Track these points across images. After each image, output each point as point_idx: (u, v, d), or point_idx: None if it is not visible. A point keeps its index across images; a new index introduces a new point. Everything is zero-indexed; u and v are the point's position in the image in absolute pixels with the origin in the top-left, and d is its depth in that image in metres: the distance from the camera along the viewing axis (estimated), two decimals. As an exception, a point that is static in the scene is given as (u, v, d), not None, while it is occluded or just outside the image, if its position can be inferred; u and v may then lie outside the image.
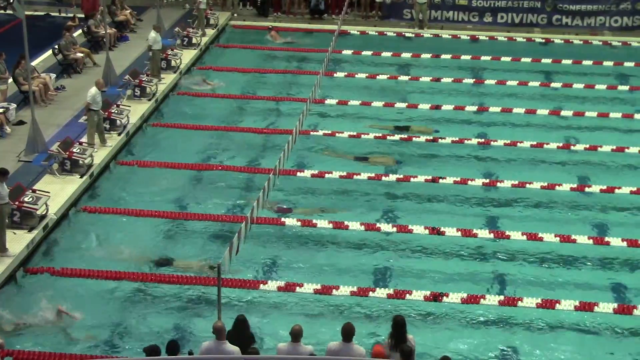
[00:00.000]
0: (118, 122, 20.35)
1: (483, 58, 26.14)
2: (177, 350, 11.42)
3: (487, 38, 28.29)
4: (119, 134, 20.24)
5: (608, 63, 25.58)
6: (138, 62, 24.77)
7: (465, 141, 20.64)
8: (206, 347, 11.46)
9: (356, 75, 24.72)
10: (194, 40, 26.37)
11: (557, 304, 14.54)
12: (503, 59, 26.05)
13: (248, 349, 11.53)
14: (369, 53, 26.51)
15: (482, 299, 14.73)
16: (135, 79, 22.37)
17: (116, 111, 20.56)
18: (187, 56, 25.36)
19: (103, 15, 24.82)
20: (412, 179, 18.77)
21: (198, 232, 16.93)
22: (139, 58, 25.17)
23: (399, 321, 11.94)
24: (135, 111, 21.38)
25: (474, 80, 24.60)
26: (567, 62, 25.80)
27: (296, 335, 11.57)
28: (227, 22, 29.46)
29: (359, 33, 28.62)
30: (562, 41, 28.07)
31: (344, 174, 18.85)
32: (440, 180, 18.66)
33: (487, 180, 18.82)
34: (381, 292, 14.90)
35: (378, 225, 17.00)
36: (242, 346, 11.50)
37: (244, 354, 11.41)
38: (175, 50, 24.97)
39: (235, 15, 30.34)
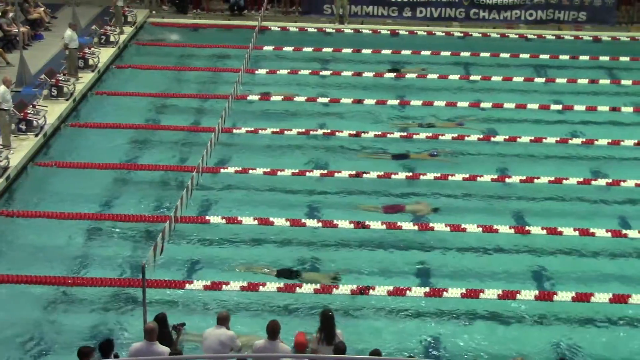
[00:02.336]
0: (35, 123, 19.86)
1: (403, 52, 26.36)
2: (112, 349, 11.22)
3: (407, 32, 28.55)
4: (36, 135, 19.76)
5: (524, 55, 26.09)
6: (54, 61, 24.22)
7: (388, 135, 20.79)
8: (136, 349, 11.31)
9: (278, 72, 24.66)
10: (111, 38, 25.91)
11: (481, 293, 14.78)
12: (423, 52, 26.33)
13: (171, 348, 11.49)
14: (290, 49, 26.47)
15: (408, 291, 14.86)
16: (52, 79, 21.87)
17: (32, 112, 20.07)
18: (105, 54, 24.91)
19: (15, 13, 24.17)
20: (336, 174, 18.82)
21: (121, 233, 16.65)
22: (55, 57, 24.61)
23: (327, 315, 11.96)
24: (52, 112, 20.90)
25: (395, 75, 24.77)
26: (485, 55, 26.21)
27: (223, 319, 11.52)
28: (145, 20, 29.04)
29: (279, 29, 28.56)
30: (480, 35, 28.51)
31: (268, 170, 18.78)
32: (364, 175, 18.75)
33: (410, 174, 18.99)
34: (308, 288, 14.91)
35: (303, 220, 16.99)
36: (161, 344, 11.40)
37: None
38: (92, 48, 24.49)
39: (153, 12, 29.92)
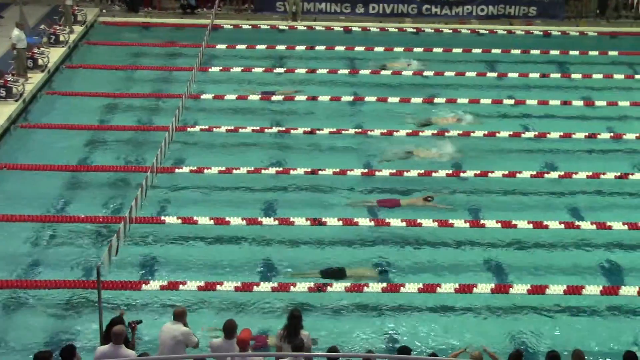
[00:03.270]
0: (-16, 124, 19.53)
1: (357, 49, 26.40)
2: (74, 354, 11.05)
3: (360, 29, 28.59)
4: (-14, 137, 19.44)
5: (477, 50, 26.30)
6: (2, 61, 23.78)
7: (343, 132, 20.81)
8: (102, 352, 11.18)
9: (231, 70, 24.53)
10: (61, 38, 25.54)
11: (438, 288, 14.86)
12: (376, 49, 26.39)
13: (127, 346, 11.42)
14: (243, 47, 26.35)
15: (365, 287, 14.89)
16: (0, 80, 21.48)
17: (-19, 113, 19.71)
18: (55, 54, 24.54)
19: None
20: (291, 172, 18.78)
21: (75, 235, 16.43)
22: (2, 57, 24.17)
23: (293, 315, 12.07)
24: (1, 113, 20.56)
25: (349, 70, 24.81)
26: (438, 50, 26.36)
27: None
28: (95, 19, 28.66)
29: (232, 27, 28.40)
30: (433, 30, 28.67)
31: (223, 169, 18.67)
32: (320, 172, 18.74)
33: (366, 170, 19.03)
34: (265, 286, 14.86)
35: (260, 219, 16.93)
36: None
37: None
38: (42, 48, 24.11)
39: (103, 11, 29.57)
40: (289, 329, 11.99)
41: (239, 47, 26.34)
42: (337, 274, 15.41)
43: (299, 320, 12.04)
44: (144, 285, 14.78)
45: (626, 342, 13.66)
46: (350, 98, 22.84)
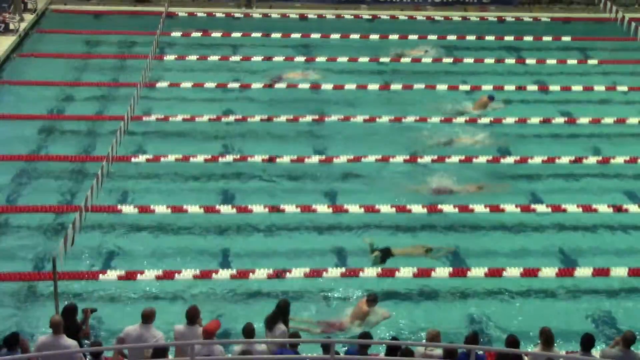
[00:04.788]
0: None
1: (313, 36, 26.33)
2: (17, 342, 10.93)
3: (316, 16, 28.51)
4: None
5: (432, 37, 26.37)
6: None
7: (300, 119, 20.76)
8: (42, 342, 11.04)
9: (187, 57, 24.31)
10: (11, 26, 25.05)
11: (397, 272, 14.93)
12: (332, 36, 26.35)
13: (79, 339, 11.32)
14: (198, 34, 26.12)
15: (324, 272, 14.90)
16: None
17: None
18: (4, 43, 24.09)
19: None
20: (249, 159, 18.71)
21: (29, 225, 16.21)
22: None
23: (278, 304, 12.33)
24: (-48, 103, 20.17)
25: (306, 58, 24.75)
26: (394, 37, 26.40)
27: (147, 316, 11.43)
28: (46, 7, 28.15)
29: (187, 15, 28.11)
30: (389, 17, 28.68)
31: (180, 157, 18.53)
32: (278, 159, 18.69)
33: (323, 157, 19.03)
34: (224, 274, 14.80)
35: (217, 207, 16.84)
36: (69, 336, 11.17)
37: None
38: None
39: (55, -2, 29.07)
40: (270, 316, 12.18)
41: (194, 34, 26.11)
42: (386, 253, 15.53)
43: (280, 311, 12.19)
44: (101, 275, 14.63)
45: (583, 324, 13.85)
46: (307, 85, 22.77)
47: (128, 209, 16.63)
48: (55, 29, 26.55)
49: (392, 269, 15.02)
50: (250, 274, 14.84)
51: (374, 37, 26.45)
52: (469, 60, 24.72)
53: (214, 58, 24.36)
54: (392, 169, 18.63)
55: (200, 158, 18.60)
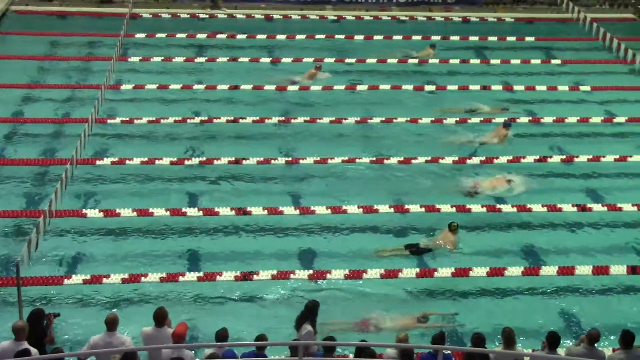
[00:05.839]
0: None
1: (278, 37, 26.30)
2: None
3: (281, 17, 28.47)
4: None
5: (397, 37, 26.48)
6: None
7: (266, 120, 20.72)
8: (3, 348, 10.89)
9: (151, 59, 24.14)
10: (-27, 28, 24.75)
11: (364, 273, 14.95)
12: (298, 36, 26.34)
13: (44, 345, 11.17)
14: (162, 35, 25.95)
15: (292, 274, 14.89)
16: None
17: None
18: (-34, 45, 23.82)
19: None
20: (215, 161, 18.63)
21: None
22: None
23: (306, 305, 12.51)
24: None
25: (271, 59, 24.71)
26: (359, 37, 26.45)
27: (111, 323, 11.33)
28: (7, 7, 27.77)
29: (151, 16, 27.92)
30: (354, 17, 28.73)
31: (145, 159, 18.41)
32: (244, 161, 18.63)
33: (290, 158, 19.01)
34: (191, 276, 14.73)
35: (184, 209, 16.75)
36: (36, 341, 11.04)
37: (40, 349, 11.00)
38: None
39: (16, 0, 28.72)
40: (298, 317, 12.34)
41: (158, 36, 25.94)
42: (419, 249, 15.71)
43: (308, 312, 12.35)
44: (66, 280, 14.48)
45: (549, 322, 13.98)
46: (273, 86, 22.72)
47: (93, 212, 16.48)
48: (17, 31, 26.22)
49: (360, 270, 15.02)
50: (218, 276, 14.78)
51: (340, 37, 26.47)
52: (434, 60, 24.84)
53: (179, 59, 24.23)
54: (359, 170, 18.66)
55: (165, 160, 18.49)
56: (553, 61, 25.29)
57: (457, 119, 21.09)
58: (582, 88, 23.34)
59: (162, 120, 20.40)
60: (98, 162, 18.36)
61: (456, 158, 19.12)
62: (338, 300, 14.46)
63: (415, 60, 24.86)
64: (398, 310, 14.09)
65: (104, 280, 14.48)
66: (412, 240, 16.22)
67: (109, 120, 20.22)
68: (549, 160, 19.27)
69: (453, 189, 18.07)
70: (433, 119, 21.07)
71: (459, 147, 19.82)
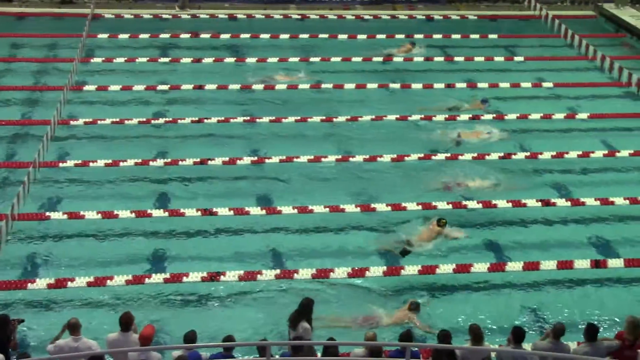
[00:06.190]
0: None
1: (242, 36, 26.23)
2: None
3: (245, 16, 28.40)
4: None
5: (362, 36, 26.53)
6: None
7: (232, 120, 20.64)
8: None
9: (114, 60, 23.95)
10: None
11: (331, 273, 14.95)
12: (262, 36, 26.29)
13: (8, 351, 11.01)
14: (125, 36, 25.76)
15: (259, 275, 14.84)
16: None
17: None
18: None
19: None
20: (180, 162, 18.52)
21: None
22: None
23: (301, 303, 12.39)
24: None
25: (235, 59, 24.63)
26: (323, 36, 26.45)
27: (74, 327, 11.25)
28: (-33, 9, 27.47)
29: (113, 16, 27.70)
30: (318, 17, 28.74)
31: (110, 161, 18.25)
32: (210, 162, 18.54)
33: (256, 158, 18.95)
34: (157, 278, 14.62)
35: (149, 211, 16.63)
36: (0, 347, 10.92)
37: (5, 355, 10.88)
38: None
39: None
40: (294, 316, 12.23)
41: (121, 36, 25.74)
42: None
43: (304, 310, 12.25)
44: (29, 284, 14.30)
45: (514, 318, 14.08)
46: (238, 86, 22.65)
47: (57, 215, 16.29)
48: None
49: (327, 269, 15.02)
50: (184, 277, 14.68)
51: (304, 36, 26.45)
52: (398, 59, 24.92)
53: (142, 60, 24.06)
54: (326, 169, 18.67)
55: (130, 162, 18.34)
56: (516, 58, 25.49)
57: (423, 115, 21.16)
58: (544, 85, 23.56)
59: (126, 122, 20.23)
60: (61, 165, 18.17)
61: (422, 155, 19.18)
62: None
63: (380, 59, 24.91)
64: (365, 308, 14.10)
65: (69, 284, 14.32)
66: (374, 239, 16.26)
67: (72, 122, 20.02)
68: (513, 157, 19.39)
69: (421, 186, 18.13)
70: (398, 116, 21.13)
71: (440, 142, 20.06)
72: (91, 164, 18.20)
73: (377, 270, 15.09)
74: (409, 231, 16.29)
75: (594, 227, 16.97)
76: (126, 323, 11.48)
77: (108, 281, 14.44)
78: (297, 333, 12.02)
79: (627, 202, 17.46)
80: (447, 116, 21.24)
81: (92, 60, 23.80)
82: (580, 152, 19.53)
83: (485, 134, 20.35)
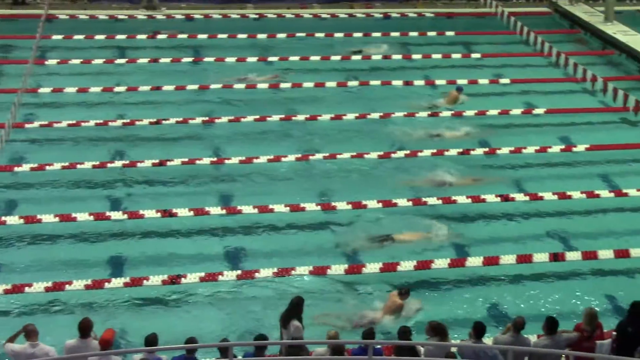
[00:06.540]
0: None
1: (200, 36, 26.08)
2: None
3: (202, 16, 28.24)
4: None
5: (319, 34, 26.51)
6: None
7: (190, 121, 20.50)
8: None
9: (70, 62, 23.65)
10: None
11: (292, 271, 14.90)
12: (220, 36, 26.16)
13: None
14: (81, 37, 25.44)
15: (220, 276, 14.75)
16: None
17: None
18: None
19: None
20: (138, 164, 18.34)
21: None
22: None
23: (291, 301, 12.30)
24: None
25: (193, 59, 24.49)
26: (281, 36, 26.39)
27: (31, 334, 11.07)
28: None
29: (68, 17, 27.36)
30: (275, 16, 28.69)
31: (67, 164, 18.02)
32: (168, 163, 18.40)
33: (215, 159, 18.85)
34: (117, 282, 14.46)
35: (108, 213, 16.45)
36: None
37: None
38: None
39: None
40: (284, 314, 12.17)
41: (76, 37, 25.42)
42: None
43: (294, 308, 12.17)
44: (-14, 290, 14.09)
45: (476, 311, 14.17)
46: (196, 86, 22.51)
47: (13, 219, 16.04)
48: None
49: (288, 268, 14.96)
50: (145, 280, 14.53)
51: (262, 36, 26.37)
52: (356, 57, 24.95)
53: (98, 61, 23.80)
54: (285, 168, 18.63)
55: (87, 164, 18.13)
56: (473, 55, 25.67)
57: (382, 113, 21.20)
58: (502, 81, 23.76)
59: (82, 124, 20.00)
60: (16, 169, 17.93)
61: (381, 153, 19.21)
62: (268, 298, 14.40)
63: (338, 57, 24.91)
64: (332, 306, 14.10)
65: (26, 289, 14.09)
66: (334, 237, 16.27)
67: (27, 125, 19.75)
68: (472, 152, 19.51)
69: (381, 183, 18.17)
70: (357, 114, 21.14)
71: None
72: (47, 167, 17.97)
73: (338, 269, 15.07)
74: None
75: (553, 221, 17.13)
76: (85, 329, 11.30)
77: (67, 286, 14.24)
78: (289, 332, 12.01)
79: (584, 195, 17.64)
80: (405, 113, 21.26)
81: (46, 62, 23.50)
82: (537, 147, 19.72)
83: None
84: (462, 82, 23.30)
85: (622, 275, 15.42)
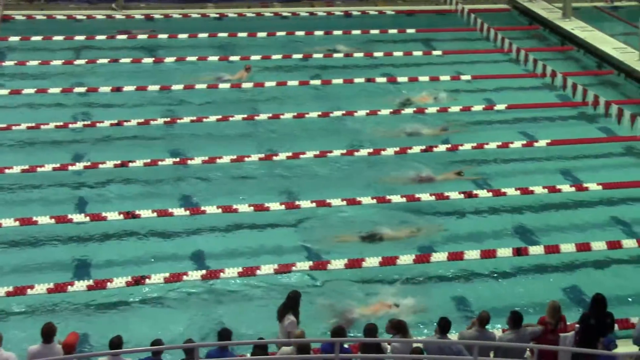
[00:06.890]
0: None
1: (160, 36, 25.89)
2: None
3: (162, 16, 28.02)
4: None
5: (281, 33, 26.46)
6: None
7: (151, 122, 20.34)
8: None
9: (27, 63, 23.33)
10: None
11: (258, 270, 14.83)
12: (180, 36, 25.99)
13: None
14: (38, 38, 25.11)
15: (185, 276, 14.65)
16: None
17: None
18: None
19: None
20: (100, 166, 18.16)
21: None
22: None
23: (288, 295, 12.36)
24: None
25: (154, 59, 24.30)
26: (242, 35, 26.29)
27: (48, 334, 11.03)
28: None
29: (25, 18, 26.99)
30: (236, 15, 28.58)
31: (26, 167, 17.79)
32: (130, 164, 18.23)
33: (177, 159, 18.72)
34: (81, 285, 14.29)
35: (70, 216, 16.26)
36: None
37: None
38: None
39: None
40: (281, 308, 12.21)
41: (34, 38, 25.08)
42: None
43: (290, 303, 12.21)
44: (-55, 296, 13.86)
45: (441, 307, 14.23)
46: (157, 87, 22.32)
47: (-28, 224, 15.83)
48: None
49: (253, 267, 14.92)
50: (108, 283, 14.39)
51: (223, 35, 26.26)
52: (318, 55, 24.95)
53: (57, 62, 23.52)
54: (248, 168, 18.57)
55: (48, 167, 17.91)
56: (434, 52, 25.79)
57: (344, 111, 21.21)
58: (462, 77, 23.88)
59: (42, 126, 19.75)
60: (-25, 172, 17.67)
61: (344, 151, 19.22)
62: (234, 298, 14.33)
63: (300, 55, 24.88)
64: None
65: (-12, 294, 13.92)
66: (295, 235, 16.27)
67: (-15, 129, 19.48)
68: (435, 149, 19.59)
69: (345, 181, 18.18)
70: (320, 113, 21.13)
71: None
72: (7, 170, 17.72)
73: (303, 265, 15.06)
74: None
75: (515, 216, 17.27)
76: (48, 334, 11.16)
77: (28, 290, 14.05)
78: (284, 325, 12.00)
79: (546, 190, 17.81)
80: (369, 111, 21.29)
81: (3, 64, 23.18)
82: (499, 143, 19.86)
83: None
84: (423, 79, 23.42)
85: (584, 268, 15.60)
